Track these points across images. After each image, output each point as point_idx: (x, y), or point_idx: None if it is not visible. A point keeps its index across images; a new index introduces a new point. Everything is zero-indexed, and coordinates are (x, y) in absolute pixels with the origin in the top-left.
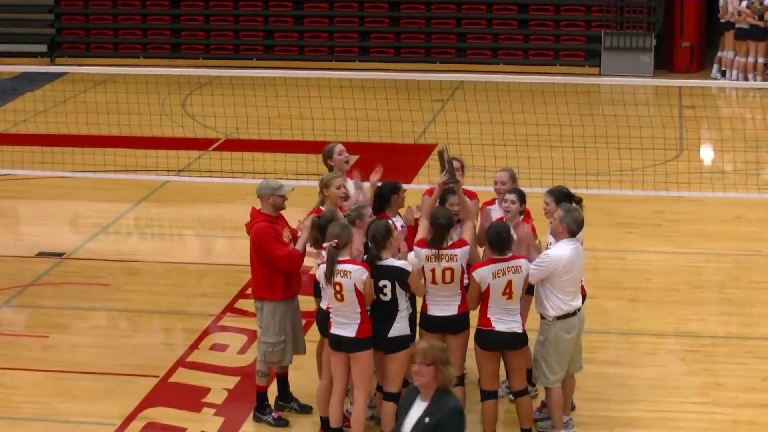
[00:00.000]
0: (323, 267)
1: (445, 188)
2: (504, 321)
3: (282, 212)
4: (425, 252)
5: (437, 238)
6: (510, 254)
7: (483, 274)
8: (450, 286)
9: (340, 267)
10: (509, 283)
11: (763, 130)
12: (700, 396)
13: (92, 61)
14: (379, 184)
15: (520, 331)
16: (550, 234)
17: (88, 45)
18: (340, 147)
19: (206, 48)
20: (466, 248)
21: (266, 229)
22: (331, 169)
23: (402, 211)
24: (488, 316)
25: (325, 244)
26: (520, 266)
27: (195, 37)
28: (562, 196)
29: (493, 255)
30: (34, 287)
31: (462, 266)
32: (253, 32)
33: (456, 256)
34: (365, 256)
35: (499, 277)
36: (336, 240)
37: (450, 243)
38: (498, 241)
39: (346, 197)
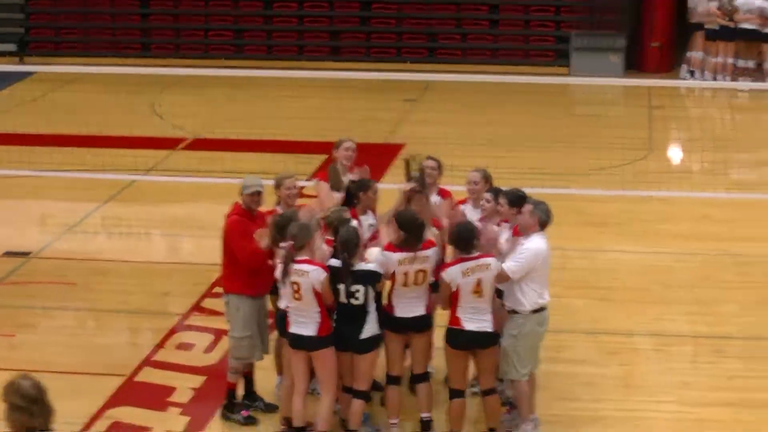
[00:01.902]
0: (281, 266)
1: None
2: (474, 320)
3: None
4: (398, 256)
5: (413, 240)
6: (477, 253)
7: (452, 274)
8: (420, 288)
9: (297, 267)
10: (479, 282)
11: (731, 130)
12: (667, 395)
13: (62, 60)
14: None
15: (491, 330)
16: (508, 231)
17: (58, 44)
18: (348, 143)
19: (176, 47)
20: (436, 248)
21: (236, 223)
22: (333, 161)
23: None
24: (458, 315)
25: (283, 244)
26: (489, 264)
27: (164, 36)
28: (517, 200)
29: (460, 254)
30: (1, 286)
31: (432, 267)
32: (223, 31)
33: (428, 257)
34: (334, 261)
35: (468, 275)
36: (293, 240)
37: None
38: (461, 241)
39: (297, 197)
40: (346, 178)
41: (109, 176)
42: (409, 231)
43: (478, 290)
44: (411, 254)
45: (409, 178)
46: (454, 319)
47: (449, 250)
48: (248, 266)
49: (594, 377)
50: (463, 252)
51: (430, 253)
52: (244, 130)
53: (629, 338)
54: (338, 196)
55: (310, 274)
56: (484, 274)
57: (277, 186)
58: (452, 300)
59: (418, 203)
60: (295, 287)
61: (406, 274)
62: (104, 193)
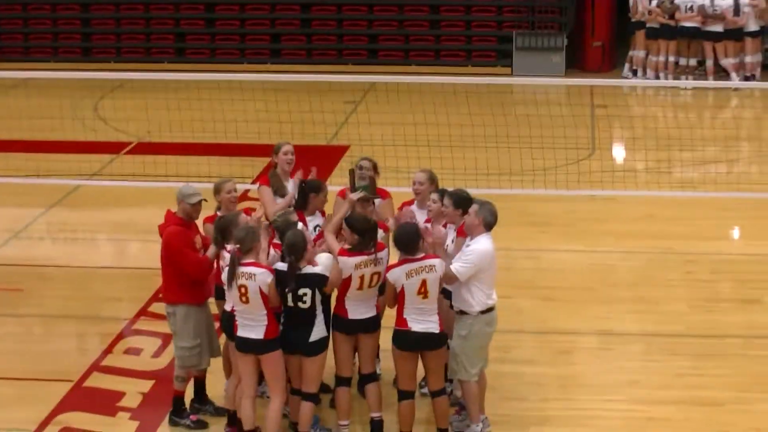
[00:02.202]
0: (227, 270)
1: (361, 204)
2: (420, 321)
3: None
4: (355, 260)
5: (368, 243)
6: (421, 254)
7: (396, 275)
8: (374, 290)
9: (244, 270)
10: (423, 283)
11: (674, 128)
12: (615, 393)
13: (2, 65)
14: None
15: (438, 331)
16: (453, 232)
17: None
18: (287, 147)
19: (117, 51)
20: (387, 250)
21: (178, 233)
22: (274, 166)
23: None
24: (404, 316)
25: (228, 247)
26: (434, 266)
27: (106, 41)
28: (462, 201)
29: (404, 255)
30: None
31: (384, 269)
32: (165, 35)
33: (382, 259)
34: (281, 264)
35: (412, 276)
36: (239, 243)
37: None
38: (404, 243)
39: (237, 201)
40: (289, 183)
41: (54, 181)
42: (363, 234)
43: (423, 291)
44: (368, 257)
45: (354, 188)
46: (400, 321)
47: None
48: (196, 276)
49: (542, 377)
50: (406, 253)
51: (384, 254)
52: (187, 133)
53: (576, 337)
54: (282, 201)
55: (257, 276)
56: (429, 275)
57: (217, 191)
58: (398, 300)
59: (365, 209)
60: (242, 290)
61: (362, 277)
62: (49, 198)
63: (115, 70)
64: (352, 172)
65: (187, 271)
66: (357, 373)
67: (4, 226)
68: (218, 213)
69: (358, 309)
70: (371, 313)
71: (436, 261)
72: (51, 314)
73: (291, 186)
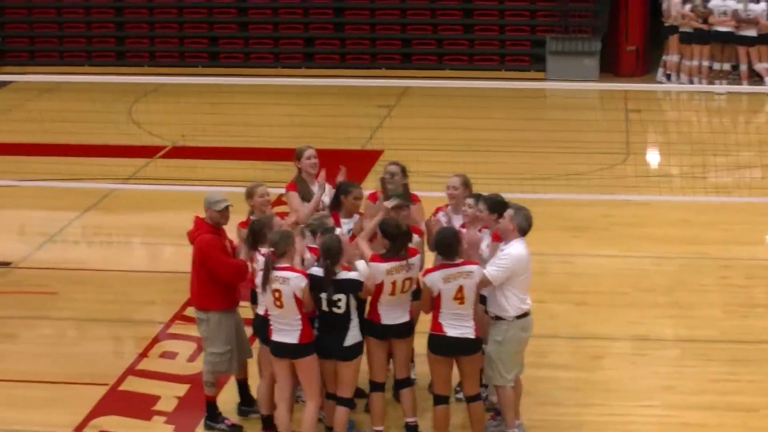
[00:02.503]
0: (261, 274)
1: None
2: (455, 326)
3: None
4: (386, 266)
5: (399, 248)
6: (459, 260)
7: (433, 279)
8: (407, 295)
9: (278, 274)
10: (460, 289)
11: (708, 133)
12: (650, 399)
13: (37, 69)
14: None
15: (473, 336)
16: (489, 237)
17: (33, 53)
18: (309, 152)
19: (151, 55)
20: (419, 255)
21: (212, 240)
22: (299, 171)
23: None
24: (440, 321)
25: (263, 251)
26: (471, 271)
27: (140, 45)
28: (497, 205)
29: (442, 260)
30: None
31: (416, 274)
32: (198, 39)
33: (414, 265)
34: (316, 269)
35: (449, 282)
36: (273, 247)
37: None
38: (443, 247)
39: (269, 204)
40: (314, 185)
41: (88, 185)
42: (394, 239)
43: (459, 297)
44: (399, 263)
45: (387, 196)
46: (436, 325)
47: (430, 256)
48: (232, 281)
49: (577, 382)
50: (446, 258)
51: (415, 260)
52: (220, 137)
53: (611, 342)
54: (309, 205)
55: (291, 281)
56: (466, 281)
57: (249, 195)
58: (434, 305)
59: (399, 215)
60: (277, 294)
61: (394, 283)
62: (83, 202)
63: (148, 74)
64: (383, 181)
65: (223, 277)
66: (393, 378)
67: (39, 229)
68: (251, 218)
69: (391, 314)
70: (404, 318)
71: (474, 267)
72: (85, 317)
73: (316, 189)
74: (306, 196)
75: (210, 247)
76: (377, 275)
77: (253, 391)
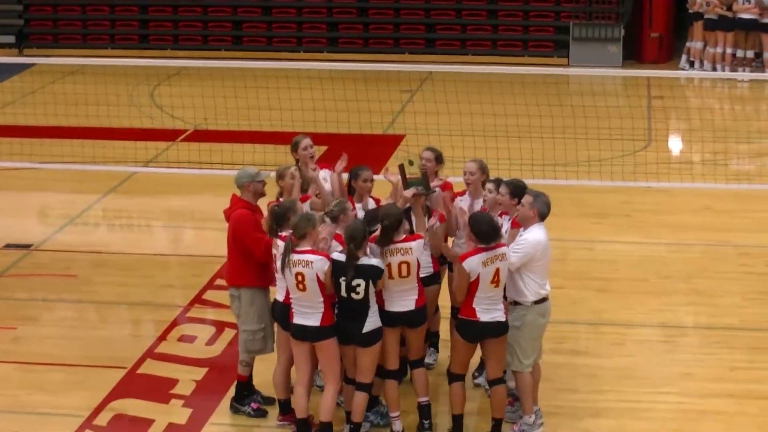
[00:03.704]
0: (281, 257)
1: (415, 200)
2: (488, 311)
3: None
4: (378, 247)
5: (383, 238)
6: (494, 243)
7: (472, 265)
8: (407, 280)
9: (300, 257)
10: (497, 272)
11: (731, 120)
12: (669, 386)
13: (60, 52)
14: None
15: (503, 319)
16: (508, 223)
17: (57, 36)
18: (306, 142)
19: (174, 39)
20: (421, 241)
21: (247, 216)
22: (296, 161)
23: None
24: (473, 306)
25: (283, 234)
26: (505, 254)
27: (163, 28)
28: (519, 191)
29: (480, 245)
30: (2, 279)
31: (417, 260)
32: (222, 23)
33: (411, 249)
34: (337, 254)
35: (488, 265)
36: (294, 230)
37: (403, 236)
38: (486, 232)
39: (302, 187)
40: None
41: (110, 168)
42: (381, 226)
43: (496, 280)
44: (391, 246)
45: (406, 184)
46: (468, 311)
47: (450, 241)
48: (263, 259)
49: (596, 368)
50: (485, 242)
51: (414, 245)
52: (243, 121)
53: (630, 329)
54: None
55: (314, 263)
56: (502, 263)
57: (280, 177)
58: (469, 291)
59: (417, 203)
60: (299, 278)
61: (389, 265)
62: (104, 185)
63: (172, 57)
64: (401, 168)
65: (256, 253)
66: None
67: (61, 212)
68: (281, 199)
69: (395, 300)
70: (410, 306)
71: (505, 249)
72: (105, 301)
73: (323, 176)
74: (304, 186)
75: (245, 223)
76: (374, 256)
77: (257, 378)
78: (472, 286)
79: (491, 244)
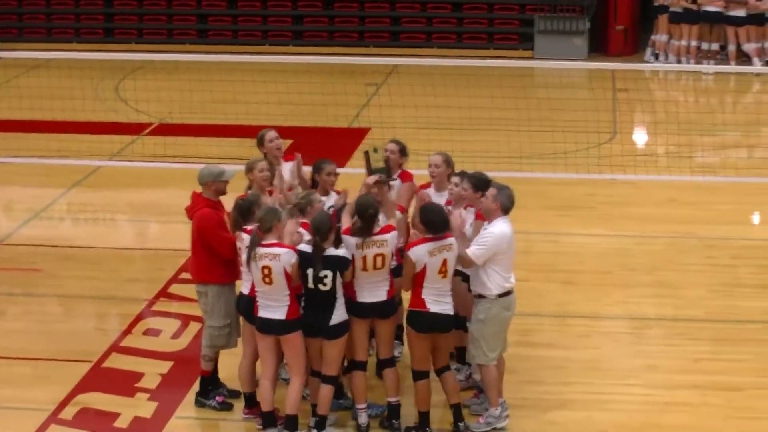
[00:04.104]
0: (246, 251)
1: (378, 188)
2: (438, 302)
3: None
4: (355, 240)
5: (366, 228)
6: (442, 233)
7: (419, 254)
8: (380, 272)
9: (267, 251)
10: (444, 262)
11: (696, 113)
12: (634, 378)
13: (25, 45)
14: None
15: (452, 312)
16: (472, 215)
17: (21, 29)
18: (271, 134)
19: (139, 32)
20: (395, 233)
21: (211, 215)
22: (264, 155)
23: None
24: (422, 296)
25: (248, 228)
26: (452, 244)
27: (128, 22)
28: (481, 183)
29: (427, 234)
30: None
31: (391, 251)
32: (187, 16)
33: (386, 241)
34: (304, 245)
35: (434, 255)
36: (260, 223)
37: (378, 229)
38: (435, 222)
39: (270, 181)
40: (284, 167)
41: (75, 162)
42: (361, 218)
43: (443, 271)
44: (367, 239)
45: (370, 171)
46: (418, 302)
47: (413, 233)
48: (229, 256)
49: (561, 361)
50: (434, 232)
51: (388, 237)
52: (208, 115)
53: (596, 321)
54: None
55: (281, 257)
56: (450, 254)
57: (250, 170)
58: (416, 281)
59: (381, 191)
60: (266, 271)
61: (364, 258)
62: (69, 179)
63: (136, 51)
64: (366, 155)
65: (222, 252)
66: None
67: (25, 206)
68: (249, 193)
69: (366, 291)
70: (382, 296)
71: (453, 240)
72: (70, 294)
73: (286, 170)
74: (271, 179)
75: (209, 222)
76: (348, 249)
77: (223, 371)
78: (419, 276)
79: (439, 234)
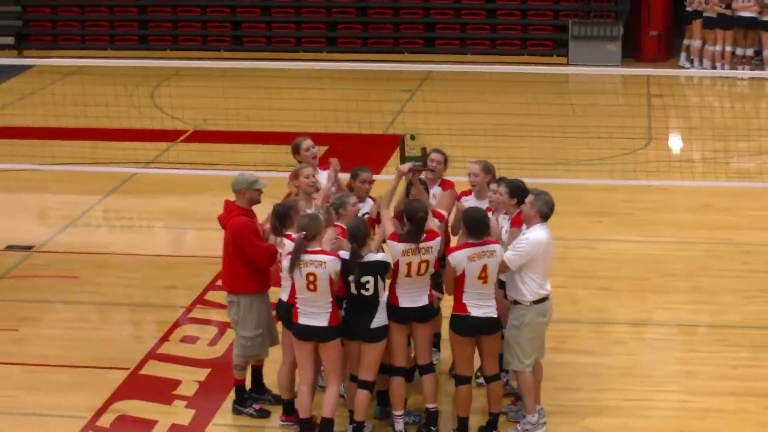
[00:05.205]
0: (288, 258)
1: (412, 175)
2: (480, 306)
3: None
4: (402, 246)
5: (415, 232)
6: (485, 239)
7: (458, 258)
8: (424, 278)
9: (313, 258)
10: (484, 268)
11: (731, 118)
12: (671, 384)
13: (60, 53)
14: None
15: (496, 315)
16: (508, 222)
17: (56, 37)
18: (307, 143)
19: (174, 39)
20: (439, 239)
21: (246, 224)
22: (299, 163)
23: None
24: (463, 301)
25: (293, 235)
26: (494, 251)
27: (162, 29)
28: (517, 190)
29: (468, 239)
30: (3, 280)
31: (435, 257)
32: (221, 23)
33: (431, 248)
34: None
35: (474, 261)
36: (304, 231)
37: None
38: (475, 226)
39: (316, 188)
40: (320, 174)
41: (110, 169)
42: (411, 222)
43: (483, 276)
44: (414, 245)
45: (403, 158)
46: (460, 306)
47: (453, 240)
48: (264, 265)
49: (598, 367)
50: (474, 237)
51: (434, 243)
52: (243, 121)
53: (632, 328)
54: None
55: (327, 264)
56: (490, 260)
57: (296, 176)
58: (457, 285)
59: (414, 181)
60: (311, 278)
61: (409, 264)
62: (105, 186)
63: (171, 58)
64: (402, 141)
65: (256, 261)
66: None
67: (61, 213)
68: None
69: (409, 297)
70: (423, 301)
71: (496, 246)
72: (107, 302)
73: (323, 178)
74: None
75: (244, 230)
76: (393, 254)
77: (267, 379)
78: (459, 281)
79: (479, 240)
